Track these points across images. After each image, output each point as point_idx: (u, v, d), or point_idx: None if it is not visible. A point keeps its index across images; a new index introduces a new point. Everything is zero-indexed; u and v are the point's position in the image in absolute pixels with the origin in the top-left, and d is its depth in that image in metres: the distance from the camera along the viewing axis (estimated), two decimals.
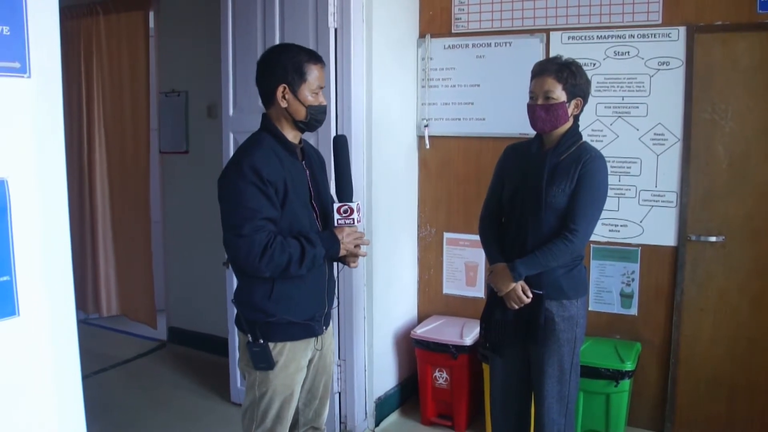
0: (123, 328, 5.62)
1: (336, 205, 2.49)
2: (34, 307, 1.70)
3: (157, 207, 5.31)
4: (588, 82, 2.75)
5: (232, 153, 3.84)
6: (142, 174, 5.16)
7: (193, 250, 5.04)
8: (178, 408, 4.15)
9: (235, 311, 2.53)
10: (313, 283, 2.50)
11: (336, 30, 3.51)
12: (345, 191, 2.51)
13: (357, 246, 2.52)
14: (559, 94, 2.66)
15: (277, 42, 3.55)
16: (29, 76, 1.65)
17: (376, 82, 3.65)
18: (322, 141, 3.39)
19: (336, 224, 2.49)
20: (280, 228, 2.37)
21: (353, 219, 2.48)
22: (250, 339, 2.42)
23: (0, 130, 1.62)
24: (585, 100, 2.74)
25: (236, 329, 2.60)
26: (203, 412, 4.09)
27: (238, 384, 4.09)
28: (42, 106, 1.70)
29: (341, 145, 2.55)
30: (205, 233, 4.78)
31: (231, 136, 3.90)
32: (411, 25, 4.04)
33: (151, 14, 5.06)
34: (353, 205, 2.48)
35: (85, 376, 1.99)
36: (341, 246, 2.46)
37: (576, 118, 2.76)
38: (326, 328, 2.63)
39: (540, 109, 2.68)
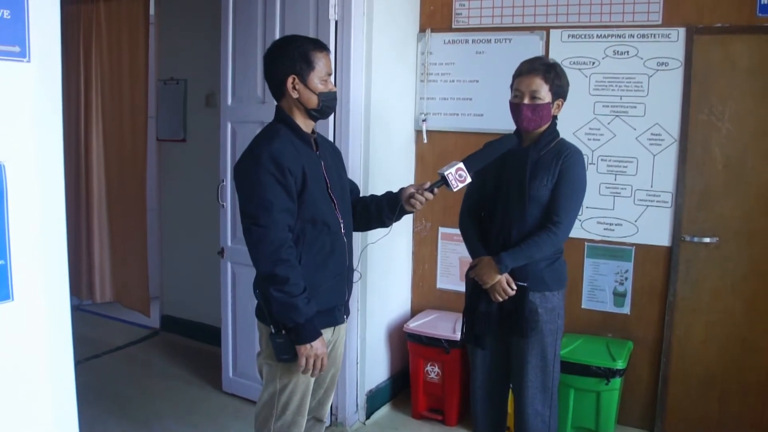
0: (116, 314, 5.62)
1: (461, 163, 2.53)
2: (29, 292, 1.70)
3: (154, 195, 5.31)
4: (568, 84, 2.82)
5: (229, 142, 3.88)
6: (139, 161, 5.14)
7: (188, 239, 5.04)
8: (169, 396, 4.15)
9: (256, 302, 2.50)
10: (335, 270, 2.48)
11: (336, 22, 3.50)
12: (473, 159, 2.59)
13: (311, 364, 2.35)
14: (545, 94, 2.71)
15: (278, 33, 3.55)
16: (29, 61, 1.65)
17: (375, 76, 3.65)
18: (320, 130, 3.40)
19: (445, 174, 2.52)
20: (302, 217, 2.36)
21: (456, 184, 2.53)
22: (273, 330, 2.38)
23: None
24: (564, 101, 2.81)
25: (256, 321, 2.55)
26: (194, 401, 4.10)
27: (230, 374, 4.10)
28: (41, 91, 1.70)
29: (506, 140, 2.69)
30: (201, 222, 4.79)
31: (229, 125, 3.90)
32: (411, 19, 4.03)
33: (152, 1, 5.04)
34: (469, 179, 2.54)
35: (78, 362, 2.00)
36: (310, 346, 2.32)
37: (555, 117, 2.81)
38: (346, 318, 2.63)
39: (526, 109, 2.72)
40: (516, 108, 2.75)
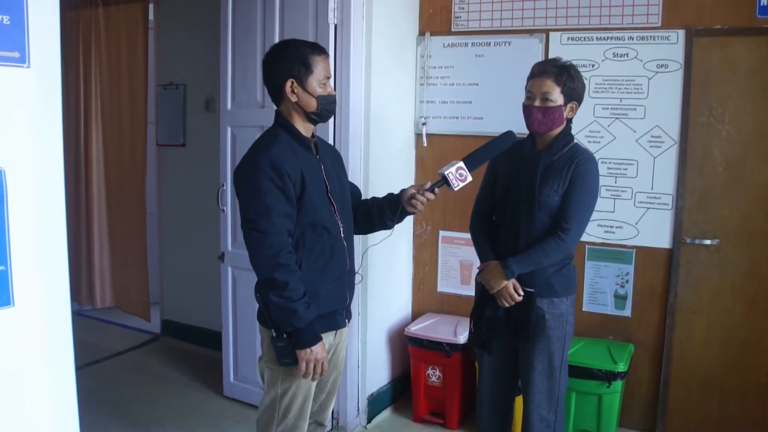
0: (117, 320, 5.62)
1: (461, 162, 2.53)
2: (29, 298, 1.70)
3: (153, 199, 5.30)
4: (583, 87, 2.76)
5: (229, 147, 3.88)
6: (138, 166, 5.14)
7: (188, 244, 5.04)
8: (170, 401, 4.14)
9: (257, 306, 2.48)
10: (335, 274, 2.47)
11: (336, 26, 3.50)
12: (473, 158, 2.59)
13: (311, 369, 2.35)
14: (557, 97, 2.66)
15: (277, 37, 3.55)
16: (28, 66, 1.66)
17: (374, 79, 3.65)
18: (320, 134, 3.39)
19: (445, 173, 2.52)
20: (301, 222, 2.36)
21: (457, 183, 2.53)
22: (274, 334, 2.37)
23: None
24: (579, 104, 2.76)
25: (258, 325, 2.54)
26: (195, 405, 4.09)
27: (231, 378, 4.09)
28: (41, 96, 1.70)
29: (505, 137, 2.67)
30: (200, 226, 4.79)
31: (228, 130, 3.89)
32: (411, 22, 4.04)
33: (151, 6, 5.05)
34: (470, 178, 2.54)
35: (78, 368, 1.99)
36: (310, 351, 2.32)
37: (569, 120, 2.77)
38: (348, 321, 2.62)
39: (537, 111, 2.68)
40: (527, 110, 2.72)
